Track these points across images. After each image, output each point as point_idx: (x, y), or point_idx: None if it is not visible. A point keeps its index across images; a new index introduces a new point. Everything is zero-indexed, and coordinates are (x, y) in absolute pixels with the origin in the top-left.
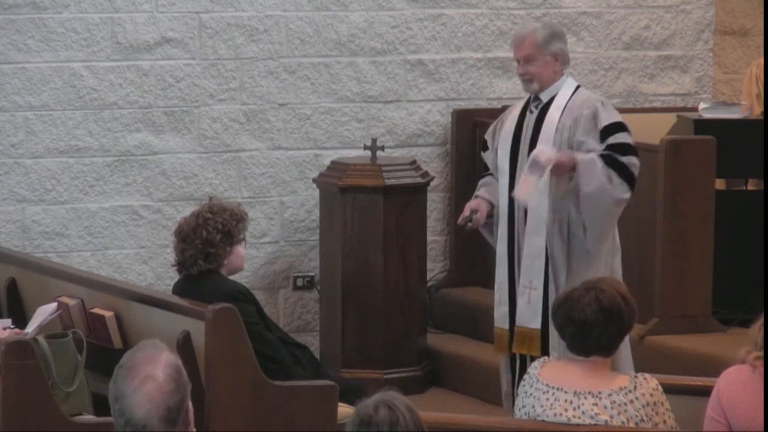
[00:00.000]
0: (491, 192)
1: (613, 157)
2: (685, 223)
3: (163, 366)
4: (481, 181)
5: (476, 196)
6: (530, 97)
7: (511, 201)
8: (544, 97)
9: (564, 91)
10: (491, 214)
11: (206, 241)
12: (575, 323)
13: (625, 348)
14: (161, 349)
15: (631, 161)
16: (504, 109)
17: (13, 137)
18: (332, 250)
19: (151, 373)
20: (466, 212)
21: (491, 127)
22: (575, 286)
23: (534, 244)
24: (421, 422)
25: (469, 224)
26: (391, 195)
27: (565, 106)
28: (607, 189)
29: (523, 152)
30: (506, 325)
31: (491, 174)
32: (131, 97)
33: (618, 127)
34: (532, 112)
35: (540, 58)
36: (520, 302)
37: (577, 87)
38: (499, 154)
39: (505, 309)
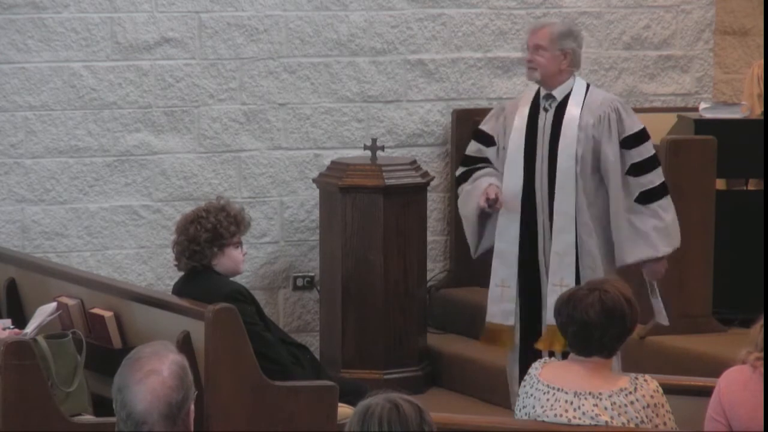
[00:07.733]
0: (499, 184)
1: (645, 196)
2: (685, 223)
3: (169, 363)
4: (483, 171)
5: (490, 184)
6: (538, 94)
7: (528, 198)
8: (558, 95)
9: (577, 89)
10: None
11: (192, 239)
12: (577, 323)
13: None
14: (170, 349)
15: (656, 175)
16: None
17: (13, 137)
18: (332, 250)
19: (156, 368)
20: (492, 194)
21: (495, 122)
22: (580, 285)
23: (563, 241)
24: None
25: (496, 206)
26: (391, 195)
27: (583, 103)
28: (668, 229)
29: (542, 152)
30: (510, 322)
31: (490, 165)
32: (131, 97)
33: (639, 138)
34: (546, 110)
35: (550, 51)
36: (551, 301)
37: (588, 85)
38: (509, 152)
39: (511, 306)
